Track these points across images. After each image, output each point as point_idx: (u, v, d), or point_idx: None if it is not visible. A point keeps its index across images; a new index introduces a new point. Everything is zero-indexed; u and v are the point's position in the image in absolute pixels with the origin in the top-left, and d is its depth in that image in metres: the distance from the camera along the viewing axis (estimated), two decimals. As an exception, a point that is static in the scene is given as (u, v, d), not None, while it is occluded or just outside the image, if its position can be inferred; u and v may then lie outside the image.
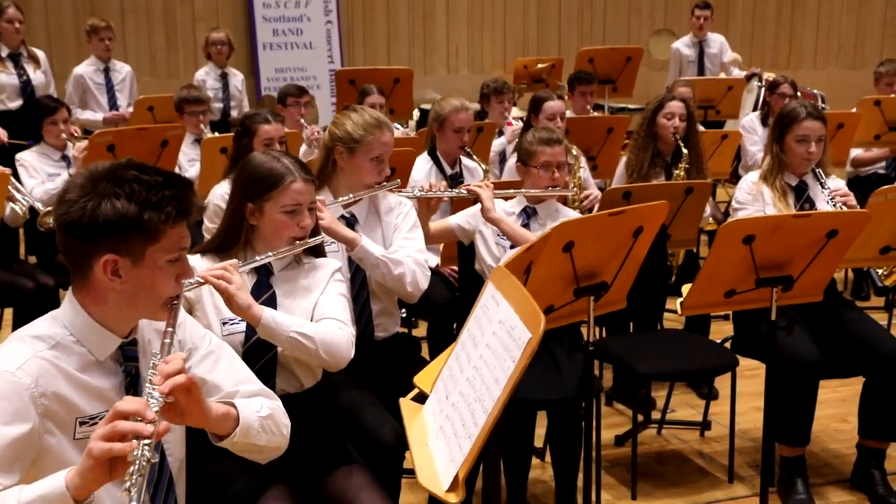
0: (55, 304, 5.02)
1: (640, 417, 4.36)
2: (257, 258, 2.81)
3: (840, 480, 4.02)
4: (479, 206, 3.86)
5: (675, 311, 5.34)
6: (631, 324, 4.62)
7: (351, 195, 3.36)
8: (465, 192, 3.80)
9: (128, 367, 2.06)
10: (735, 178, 6.99)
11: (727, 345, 4.18)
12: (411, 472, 3.42)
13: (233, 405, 2.11)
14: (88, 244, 1.93)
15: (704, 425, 4.47)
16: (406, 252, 3.34)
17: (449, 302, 4.41)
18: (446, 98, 5.05)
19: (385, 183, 3.43)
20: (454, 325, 4.53)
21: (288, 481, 2.64)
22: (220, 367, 2.20)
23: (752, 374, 4.80)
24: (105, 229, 1.91)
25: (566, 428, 3.53)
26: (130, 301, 1.99)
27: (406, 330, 4.56)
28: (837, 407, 4.65)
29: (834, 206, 3.84)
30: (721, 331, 5.41)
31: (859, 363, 3.81)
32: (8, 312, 5.42)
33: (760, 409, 4.56)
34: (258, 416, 2.14)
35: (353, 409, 3.05)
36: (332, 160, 3.39)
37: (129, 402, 1.78)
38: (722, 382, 4.65)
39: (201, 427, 2.05)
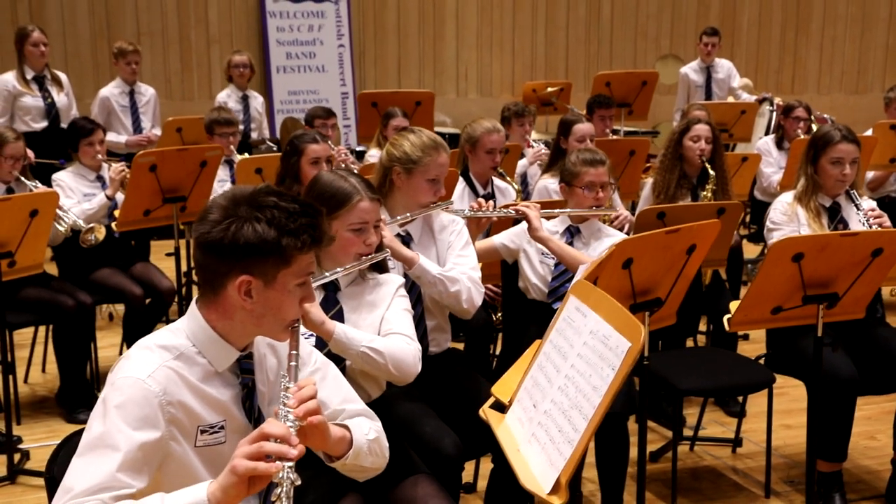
0: (92, 321, 5.10)
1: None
2: (326, 274, 2.89)
3: (875, 496, 4.10)
4: (522, 225, 3.96)
5: (702, 332, 5.49)
6: (660, 342, 4.71)
7: (408, 214, 3.45)
8: (512, 211, 3.89)
9: (244, 378, 2.13)
10: (751, 201, 7.12)
11: (761, 362, 4.27)
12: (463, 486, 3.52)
13: (347, 428, 2.19)
14: (226, 264, 2.00)
15: (736, 442, 4.55)
16: (461, 270, 3.42)
17: (486, 321, 4.49)
18: (478, 120, 5.15)
19: (439, 203, 3.51)
20: (490, 344, 4.63)
21: (360, 490, 2.71)
22: (326, 384, 2.27)
23: (780, 392, 4.89)
24: (245, 251, 1.98)
25: (613, 442, 3.60)
26: (257, 321, 2.06)
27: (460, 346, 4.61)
28: (865, 425, 4.72)
29: (870, 226, 3.94)
30: (742, 350, 5.50)
31: (895, 380, 3.90)
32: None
33: (790, 427, 4.71)
34: (367, 439, 2.23)
35: (411, 421, 3.11)
36: (390, 180, 3.47)
37: (275, 426, 1.86)
38: (749, 401, 4.74)
39: (320, 448, 2.13)
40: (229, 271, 2.01)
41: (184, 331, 2.09)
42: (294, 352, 2.06)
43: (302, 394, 1.96)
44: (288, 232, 1.99)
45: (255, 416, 2.13)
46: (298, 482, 1.83)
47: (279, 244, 1.98)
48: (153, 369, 2.00)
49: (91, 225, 4.89)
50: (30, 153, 6.17)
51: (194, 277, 6.18)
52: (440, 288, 3.35)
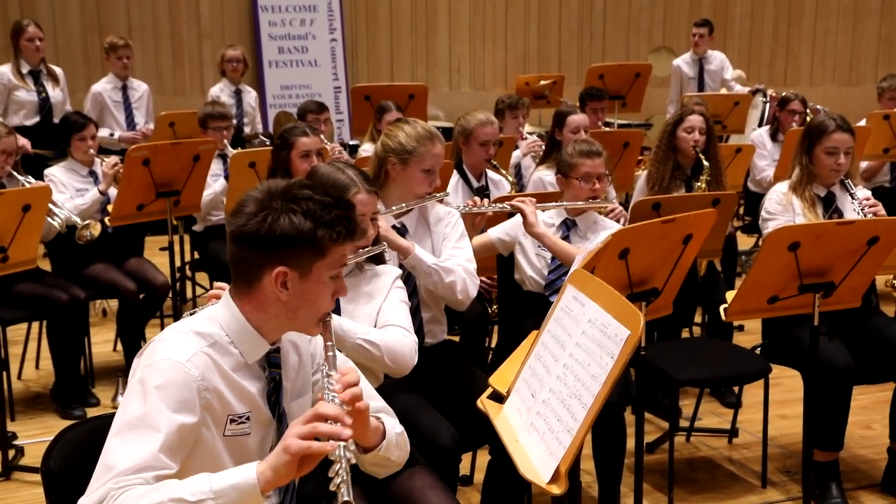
0: (86, 316, 5.08)
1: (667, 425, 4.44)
2: None
3: (871, 485, 4.11)
4: (517, 217, 3.94)
5: (697, 323, 5.49)
6: (655, 333, 4.71)
7: (403, 205, 3.44)
8: (508, 206, 3.88)
9: (272, 372, 2.14)
10: (745, 192, 7.11)
11: (757, 352, 4.26)
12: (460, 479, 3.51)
13: (379, 419, 2.20)
14: (262, 255, 2.01)
15: (732, 432, 4.56)
16: (456, 261, 3.42)
17: (481, 314, 4.48)
18: (471, 112, 5.15)
19: (434, 194, 3.51)
20: (486, 336, 4.62)
21: (358, 482, 2.69)
22: None
23: (775, 382, 4.88)
24: (281, 242, 1.99)
25: (610, 433, 3.60)
26: (292, 313, 2.06)
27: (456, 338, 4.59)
28: (860, 414, 4.72)
29: (865, 215, 3.94)
30: (738, 341, 5.49)
31: (890, 368, 3.90)
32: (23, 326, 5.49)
33: (786, 417, 4.71)
34: (395, 432, 2.25)
35: (407, 413, 3.09)
36: (385, 171, 3.47)
37: (329, 407, 1.87)
38: (744, 391, 4.75)
39: (359, 438, 2.11)
40: (265, 263, 2.01)
41: (218, 320, 2.09)
42: (330, 342, 2.07)
43: (346, 379, 1.98)
44: (324, 223, 2.00)
45: (278, 411, 2.14)
46: (354, 461, 1.84)
47: (315, 235, 1.99)
48: (192, 354, 2.01)
49: (87, 221, 4.87)
50: (26, 142, 6.17)
51: (188, 273, 6.16)
52: (435, 278, 3.35)
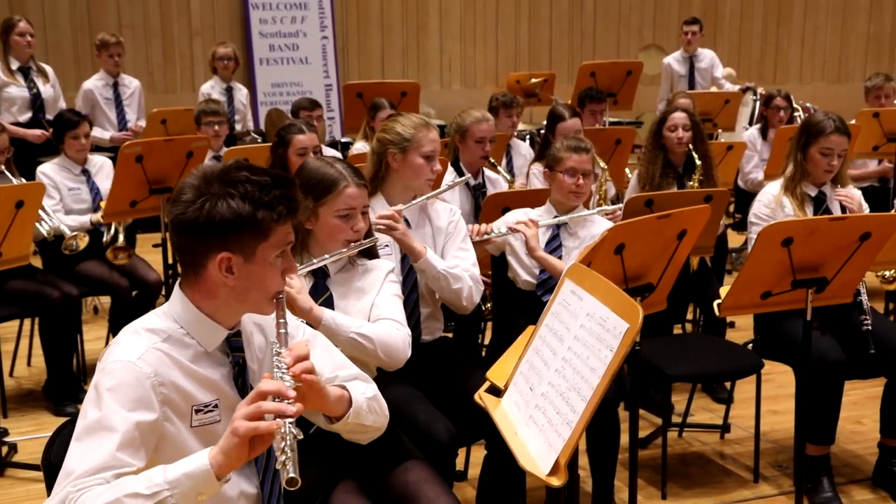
0: (78, 313, 5.08)
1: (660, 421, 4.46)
2: (314, 261, 2.90)
3: (861, 480, 4.14)
4: (506, 216, 3.97)
5: (688, 320, 5.51)
6: (648, 328, 4.73)
7: (423, 197, 3.49)
8: (509, 232, 3.89)
9: (235, 357, 2.13)
10: (735, 189, 7.14)
11: (749, 348, 4.29)
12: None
13: (344, 388, 2.19)
14: (204, 243, 2.00)
15: (724, 428, 4.58)
16: (463, 266, 3.44)
17: (474, 311, 4.48)
18: (467, 110, 5.15)
19: (446, 187, 3.57)
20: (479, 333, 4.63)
21: (355, 476, 2.71)
22: (316, 353, 2.24)
23: (766, 378, 4.91)
24: (221, 228, 1.97)
25: (604, 429, 3.62)
26: (241, 296, 2.05)
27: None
28: (851, 410, 4.75)
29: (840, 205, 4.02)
30: (730, 337, 5.52)
31: (881, 364, 3.92)
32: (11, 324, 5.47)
33: (777, 412, 4.74)
34: (365, 397, 2.25)
35: (403, 407, 3.11)
36: (385, 164, 3.49)
37: (270, 383, 1.87)
38: (736, 387, 4.77)
39: (319, 409, 2.13)
40: (208, 250, 2.00)
41: (170, 314, 2.09)
42: (282, 320, 2.06)
43: (295, 353, 1.97)
44: (263, 205, 1.98)
45: (247, 394, 2.13)
46: (301, 436, 1.84)
47: (255, 218, 1.98)
48: (143, 351, 1.99)
49: (75, 233, 4.88)
50: (46, 133, 6.32)
51: (179, 270, 6.15)
52: (443, 283, 3.37)
